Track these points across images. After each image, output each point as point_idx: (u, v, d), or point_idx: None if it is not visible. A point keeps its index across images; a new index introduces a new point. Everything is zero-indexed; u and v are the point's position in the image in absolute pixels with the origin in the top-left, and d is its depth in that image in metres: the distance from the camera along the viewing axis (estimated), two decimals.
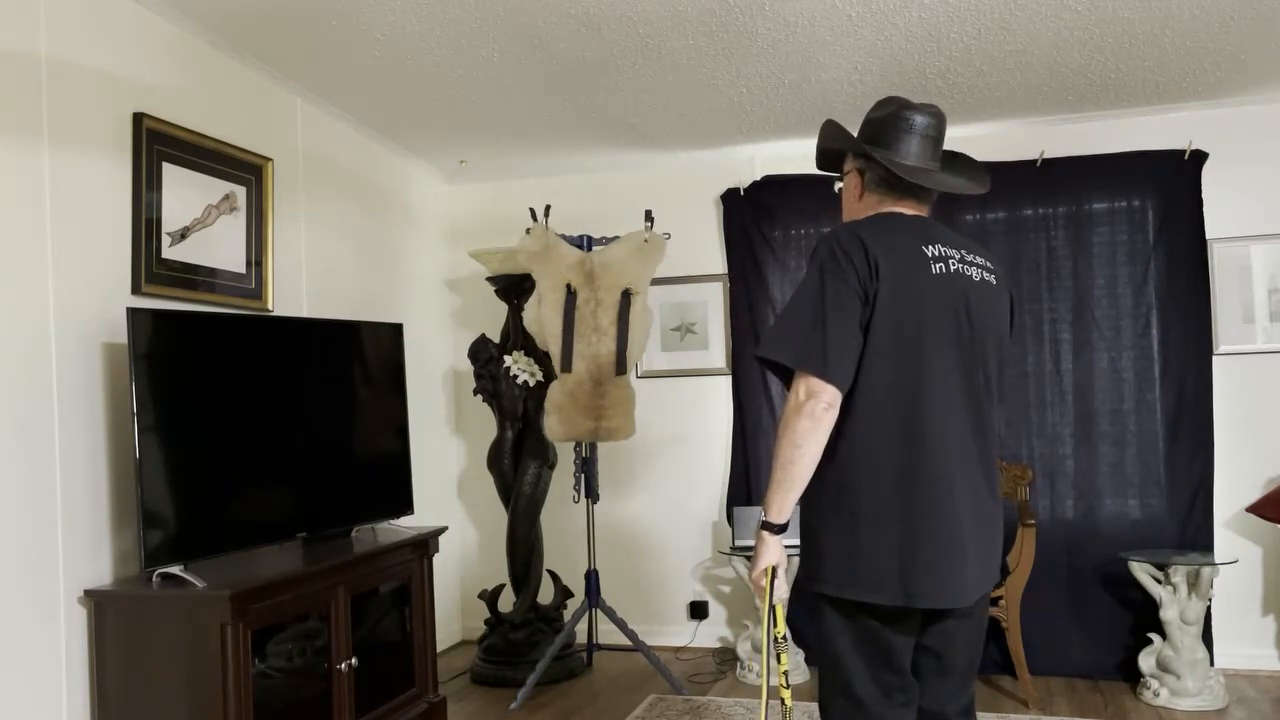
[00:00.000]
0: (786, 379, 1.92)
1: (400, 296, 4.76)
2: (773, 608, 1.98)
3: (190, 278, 3.27)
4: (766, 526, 1.92)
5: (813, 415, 1.84)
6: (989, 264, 2.07)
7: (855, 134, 2.13)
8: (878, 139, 2.07)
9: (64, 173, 2.80)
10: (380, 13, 3.18)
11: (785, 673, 2.03)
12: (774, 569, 1.95)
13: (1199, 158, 4.27)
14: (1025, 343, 4.42)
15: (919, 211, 2.08)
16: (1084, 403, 4.36)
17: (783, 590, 1.98)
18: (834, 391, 1.85)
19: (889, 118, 2.06)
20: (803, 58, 3.61)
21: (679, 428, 4.96)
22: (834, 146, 2.18)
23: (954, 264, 1.97)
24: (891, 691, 1.95)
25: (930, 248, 1.97)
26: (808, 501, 1.95)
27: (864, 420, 1.89)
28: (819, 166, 2.28)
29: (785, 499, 1.89)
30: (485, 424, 4.86)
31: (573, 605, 4.64)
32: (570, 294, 4.12)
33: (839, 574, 1.91)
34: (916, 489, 1.88)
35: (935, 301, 1.92)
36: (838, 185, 2.20)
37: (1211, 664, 3.94)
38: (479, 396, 4.61)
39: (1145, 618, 4.07)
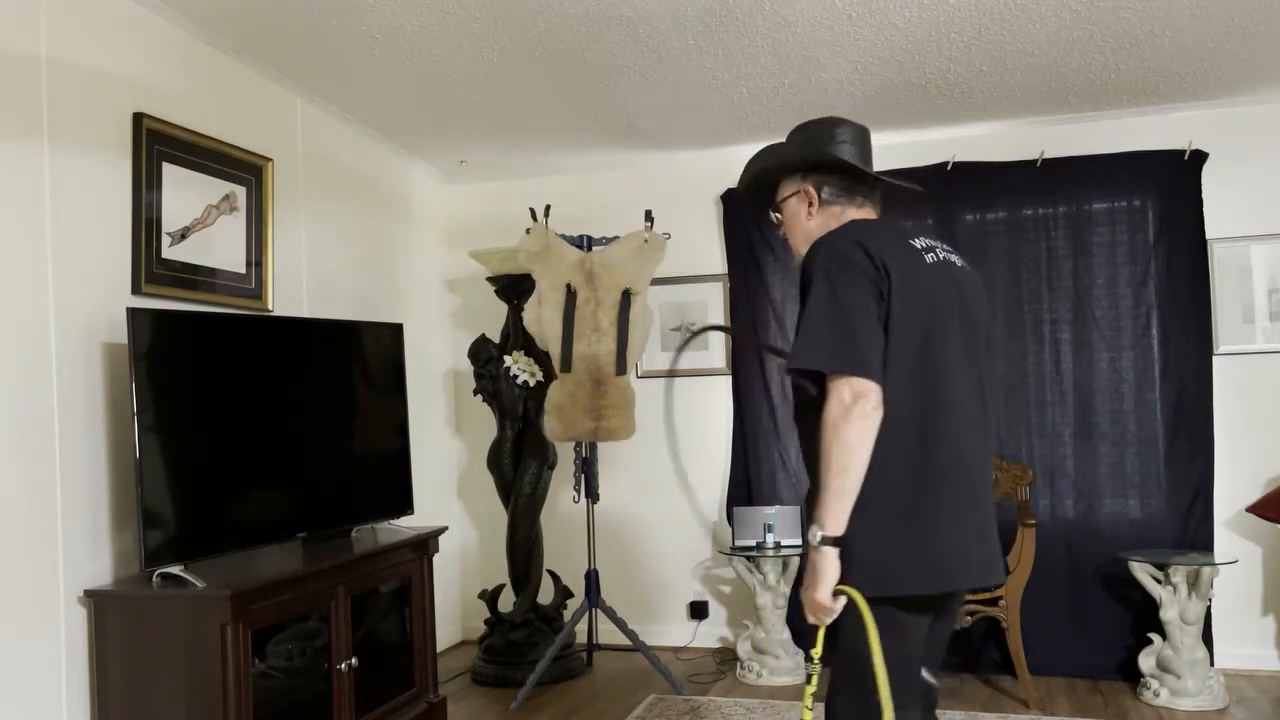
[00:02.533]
0: (819, 388, 1.86)
1: (400, 296, 4.76)
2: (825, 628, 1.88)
3: (190, 278, 3.27)
4: (826, 541, 1.82)
5: (865, 416, 1.79)
6: (958, 254, 2.12)
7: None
8: (819, 153, 2.08)
9: (64, 173, 2.80)
10: (380, 13, 3.18)
11: (813, 694, 1.94)
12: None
13: (1199, 158, 4.27)
14: (1025, 343, 4.42)
15: (876, 216, 2.11)
16: (1084, 403, 4.36)
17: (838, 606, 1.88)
18: (878, 389, 1.81)
19: (820, 134, 2.08)
20: (803, 58, 3.61)
21: (679, 428, 4.96)
22: (779, 167, 2.14)
23: (941, 254, 2.00)
24: (910, 690, 1.94)
25: (915, 241, 1.98)
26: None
27: (889, 415, 1.85)
28: (752, 201, 2.26)
29: (843, 508, 1.81)
30: (485, 424, 4.85)
31: (573, 605, 4.64)
32: (570, 294, 4.12)
33: (878, 572, 1.85)
34: (943, 477, 1.86)
35: (939, 292, 1.93)
36: (776, 216, 2.18)
37: (1211, 664, 3.94)
38: (479, 396, 4.61)
39: (1145, 618, 4.07)
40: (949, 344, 1.91)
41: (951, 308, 1.94)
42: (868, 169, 2.08)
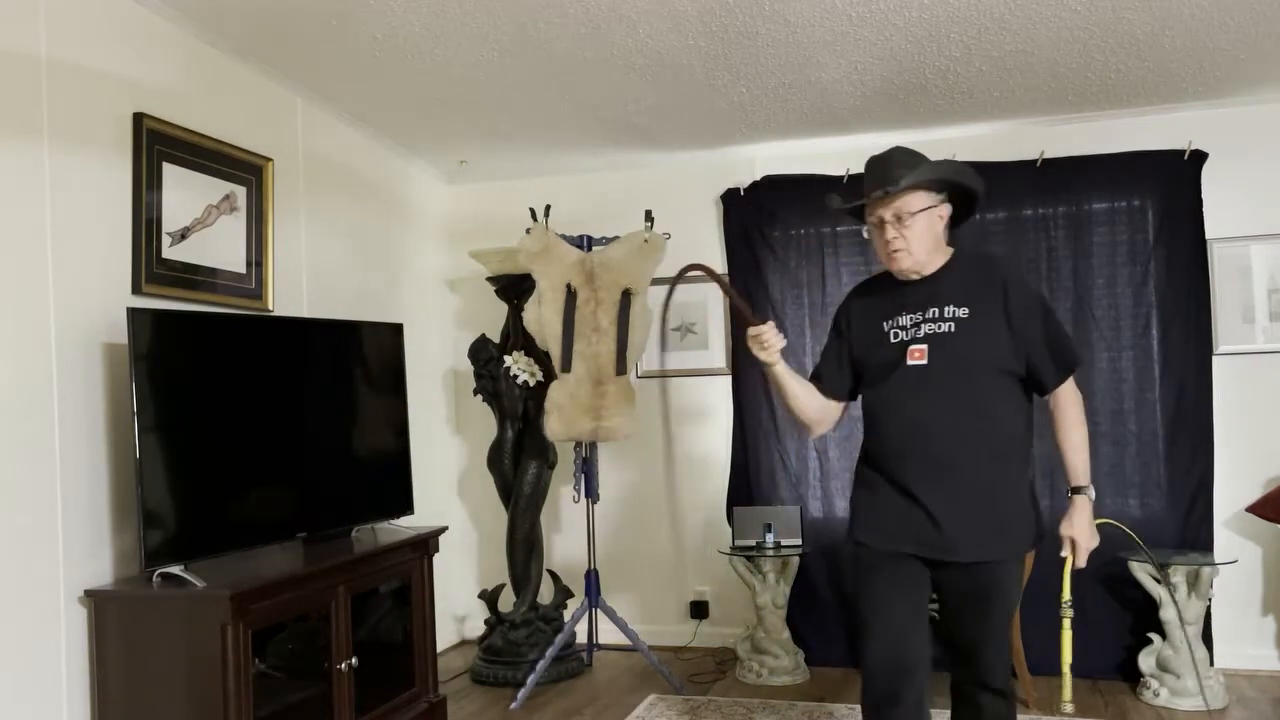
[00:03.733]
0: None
1: (400, 296, 4.76)
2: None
3: (190, 278, 3.27)
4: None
5: None
6: None
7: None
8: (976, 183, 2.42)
9: (64, 173, 2.80)
10: (380, 13, 3.18)
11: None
12: None
13: (1199, 158, 4.26)
14: None
15: None
16: (1084, 402, 4.34)
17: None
18: None
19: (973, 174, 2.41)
20: (803, 58, 3.61)
21: (679, 428, 4.96)
22: (942, 179, 2.41)
23: None
24: None
25: None
26: (1021, 473, 2.52)
27: None
28: (848, 204, 2.50)
29: None
30: (485, 424, 4.85)
31: (573, 605, 4.64)
32: (570, 294, 4.12)
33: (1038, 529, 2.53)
34: None
35: None
36: (892, 217, 2.37)
37: (1211, 664, 3.94)
38: (479, 396, 4.61)
39: (1145, 618, 4.06)
40: None
41: None
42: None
